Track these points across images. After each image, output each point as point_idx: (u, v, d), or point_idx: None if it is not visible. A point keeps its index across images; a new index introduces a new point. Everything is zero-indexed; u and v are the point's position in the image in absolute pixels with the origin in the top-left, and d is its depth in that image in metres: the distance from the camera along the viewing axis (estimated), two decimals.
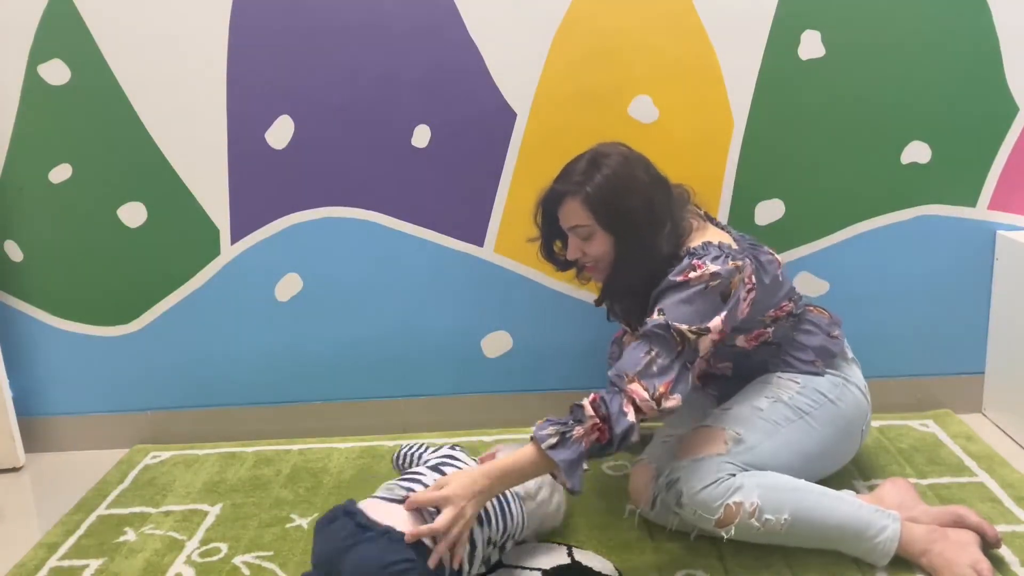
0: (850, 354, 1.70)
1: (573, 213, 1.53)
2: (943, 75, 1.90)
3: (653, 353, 1.42)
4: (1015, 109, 1.93)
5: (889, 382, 2.05)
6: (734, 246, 1.53)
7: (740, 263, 1.49)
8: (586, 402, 1.41)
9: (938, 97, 1.92)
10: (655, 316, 1.45)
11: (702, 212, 1.65)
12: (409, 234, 2.01)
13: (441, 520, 1.33)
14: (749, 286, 1.52)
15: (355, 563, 1.30)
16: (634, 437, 1.40)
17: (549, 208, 1.58)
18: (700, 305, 1.44)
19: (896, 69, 1.90)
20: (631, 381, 1.40)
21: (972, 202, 1.98)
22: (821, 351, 1.63)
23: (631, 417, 1.39)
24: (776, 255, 1.65)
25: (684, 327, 1.42)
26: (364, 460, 1.98)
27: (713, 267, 1.45)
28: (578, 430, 1.39)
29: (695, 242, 1.52)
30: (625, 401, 1.40)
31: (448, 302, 2.05)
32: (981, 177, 1.97)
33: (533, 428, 1.41)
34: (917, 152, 1.95)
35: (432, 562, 1.33)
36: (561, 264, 1.66)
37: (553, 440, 1.38)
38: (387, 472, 1.91)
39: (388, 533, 1.32)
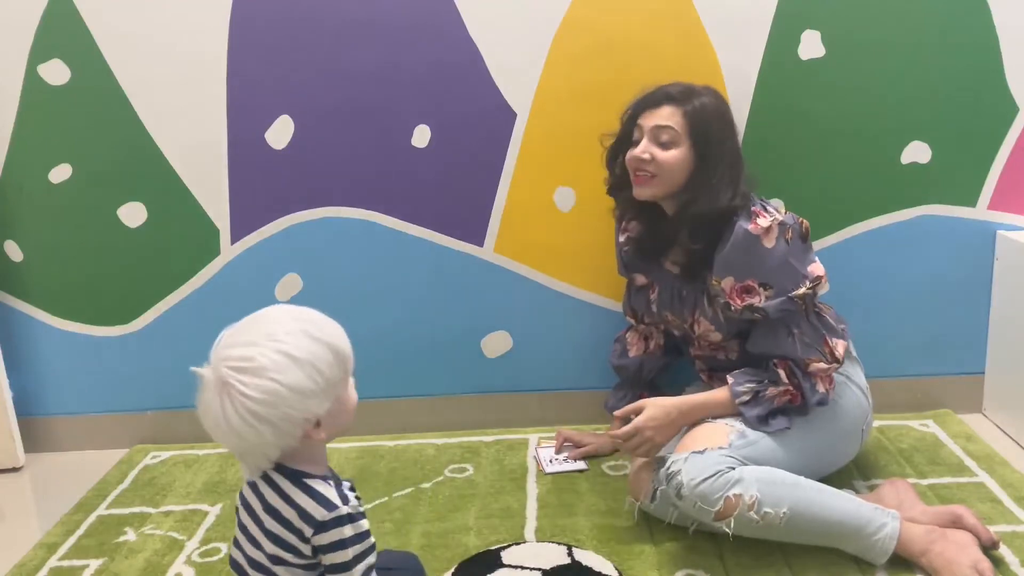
0: (853, 353, 1.70)
1: (668, 116, 1.56)
2: (943, 75, 1.90)
3: (794, 332, 1.54)
4: (1015, 109, 1.93)
5: (889, 382, 2.05)
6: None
7: (798, 217, 1.57)
8: (782, 371, 1.54)
9: (938, 97, 1.92)
10: (761, 295, 1.52)
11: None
12: (409, 234, 2.01)
13: (628, 445, 1.56)
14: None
15: None
16: (830, 398, 1.56)
17: (641, 108, 1.60)
18: (795, 262, 1.53)
19: (896, 69, 1.90)
20: (807, 364, 1.53)
21: (972, 202, 1.98)
22: (832, 330, 1.63)
23: (822, 388, 1.55)
24: None
25: (801, 290, 1.52)
26: (364, 460, 1.98)
27: (777, 215, 1.53)
28: (771, 390, 1.54)
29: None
30: (817, 381, 1.54)
31: (448, 302, 2.05)
32: (981, 177, 1.97)
33: (729, 381, 1.57)
34: (917, 152, 1.95)
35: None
36: (616, 178, 1.68)
37: (747, 397, 1.54)
38: (387, 472, 1.92)
39: None
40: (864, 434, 1.66)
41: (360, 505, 1.13)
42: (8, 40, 1.91)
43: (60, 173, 1.99)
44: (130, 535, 1.72)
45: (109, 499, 1.87)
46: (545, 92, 1.92)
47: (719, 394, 1.58)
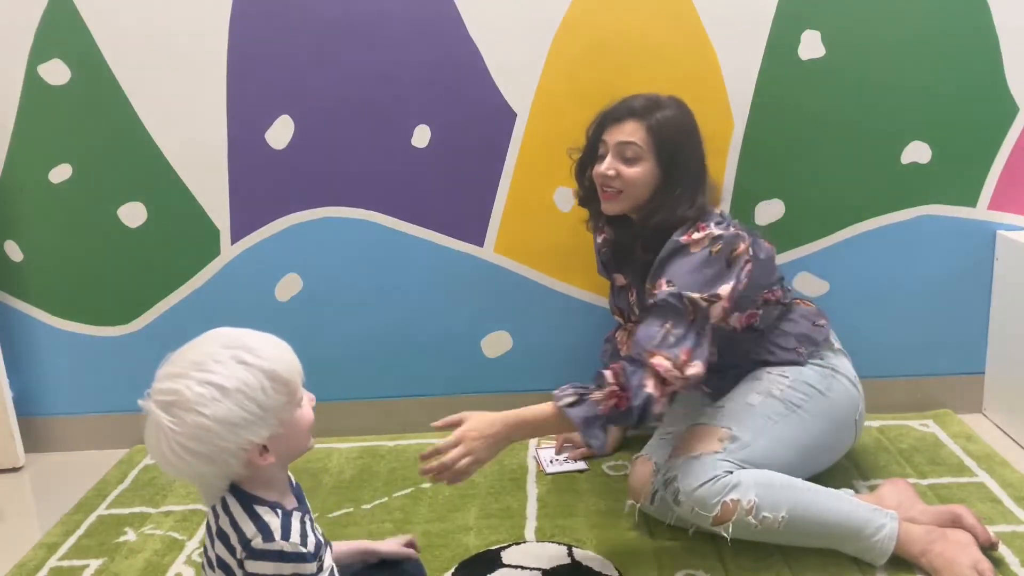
0: (837, 345, 1.70)
1: (632, 132, 1.55)
2: (943, 75, 1.90)
3: (668, 325, 1.45)
4: (1015, 109, 1.93)
5: (889, 382, 2.05)
6: (734, 221, 1.58)
7: (743, 231, 1.54)
8: (608, 372, 1.44)
9: (938, 97, 1.92)
10: (663, 286, 1.48)
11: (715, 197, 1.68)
12: (409, 234, 2.01)
13: (450, 455, 1.39)
14: (746, 257, 1.54)
15: None
16: (655, 408, 1.41)
17: (606, 122, 1.59)
18: (707, 271, 1.48)
19: (896, 69, 1.90)
20: (652, 355, 1.42)
21: (972, 202, 1.98)
22: (803, 339, 1.64)
23: (650, 390, 1.40)
24: (766, 243, 1.66)
25: (696, 295, 1.46)
26: (364, 460, 1.98)
27: (716, 230, 1.50)
28: (596, 394, 1.42)
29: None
30: (646, 374, 1.41)
31: (448, 302, 2.05)
32: (981, 177, 1.97)
33: (554, 393, 1.45)
34: (917, 152, 1.95)
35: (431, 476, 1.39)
36: (586, 191, 1.67)
37: (570, 399, 1.43)
38: (387, 472, 1.92)
39: None
40: (858, 424, 1.66)
41: (306, 545, 1.05)
42: (8, 40, 1.91)
43: (60, 173, 1.99)
44: (130, 535, 1.72)
45: (109, 499, 1.87)
46: (545, 92, 1.92)
47: (544, 405, 1.45)
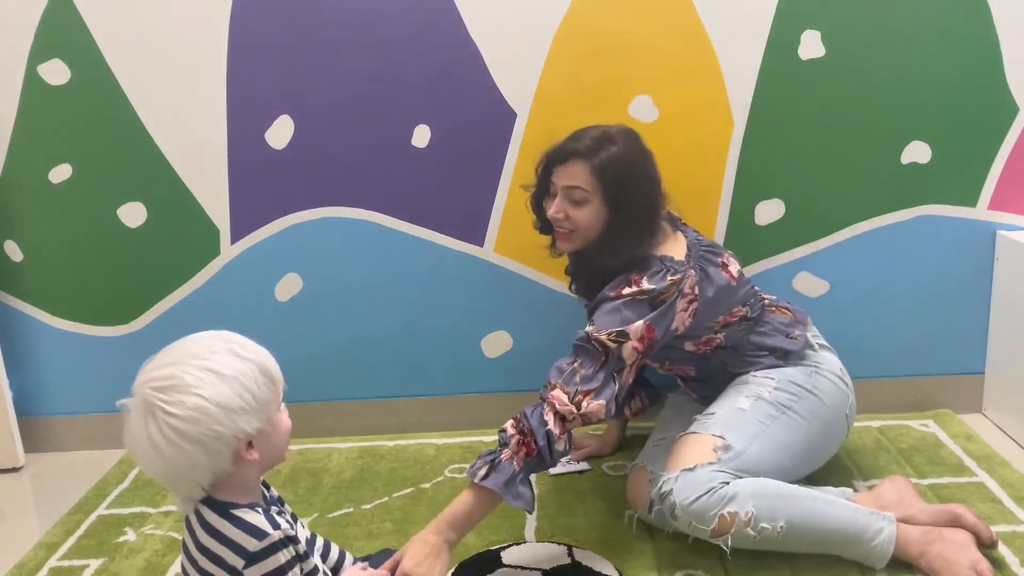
0: (819, 343, 1.69)
1: (576, 174, 1.53)
2: (943, 75, 1.90)
3: (576, 364, 1.47)
4: (1015, 109, 1.93)
5: (889, 382, 2.05)
6: (679, 258, 1.55)
7: (678, 277, 1.51)
8: (509, 423, 1.45)
9: (938, 97, 1.92)
10: (587, 327, 1.49)
11: (671, 214, 1.66)
12: (409, 234, 2.01)
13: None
14: (690, 296, 1.53)
15: None
16: (559, 446, 1.42)
17: (552, 163, 1.59)
18: (625, 313, 1.48)
19: (896, 69, 1.90)
20: (552, 388, 1.45)
21: (972, 202, 1.98)
22: (776, 351, 1.64)
23: (551, 426, 1.41)
24: (734, 259, 1.64)
25: (604, 335, 1.46)
26: (364, 460, 1.98)
27: (648, 284, 1.49)
28: (505, 453, 1.41)
29: (657, 251, 1.55)
30: (546, 409, 1.43)
31: (448, 302, 2.05)
32: (981, 177, 1.97)
33: (472, 473, 1.42)
34: (917, 152, 1.95)
35: None
36: (543, 222, 1.67)
37: (483, 471, 1.41)
38: (387, 472, 1.92)
39: None
40: (849, 418, 1.65)
41: (292, 527, 1.09)
42: (8, 40, 1.91)
43: (60, 173, 1.99)
44: (130, 535, 1.72)
45: (109, 499, 1.87)
46: (545, 92, 1.92)
47: (466, 494, 1.42)
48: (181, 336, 2.10)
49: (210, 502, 1.07)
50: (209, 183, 1.99)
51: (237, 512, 1.06)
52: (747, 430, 1.53)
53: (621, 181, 1.52)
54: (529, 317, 2.06)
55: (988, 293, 2.02)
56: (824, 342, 1.70)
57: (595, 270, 1.59)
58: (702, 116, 1.93)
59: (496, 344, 2.08)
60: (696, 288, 1.54)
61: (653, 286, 1.49)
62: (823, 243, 2.00)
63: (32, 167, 1.99)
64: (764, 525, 1.41)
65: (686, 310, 1.54)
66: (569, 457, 1.90)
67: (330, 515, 1.75)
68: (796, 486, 1.48)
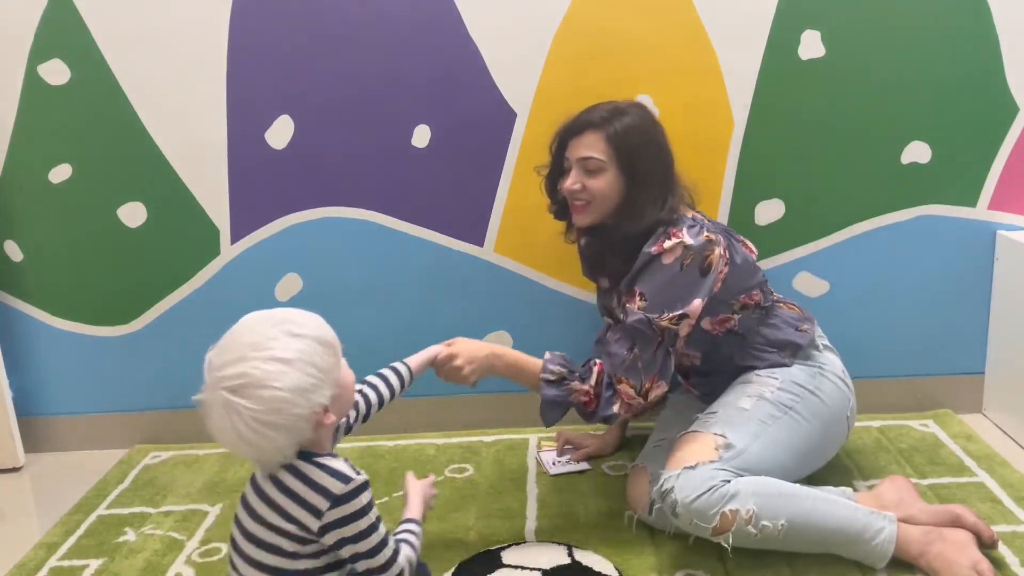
0: (823, 344, 1.69)
1: (591, 145, 1.56)
2: (943, 75, 1.90)
3: (636, 351, 1.53)
4: (1015, 109, 1.93)
5: (889, 382, 2.05)
6: (707, 223, 1.59)
7: (713, 236, 1.54)
8: (596, 369, 1.55)
9: (938, 97, 1.92)
10: (636, 302, 1.52)
11: (688, 200, 1.68)
12: (409, 234, 2.01)
13: (442, 372, 1.55)
14: (725, 259, 1.56)
15: None
16: (617, 420, 1.57)
17: (566, 137, 1.61)
18: (680, 286, 1.51)
19: (896, 69, 1.90)
20: (620, 381, 1.54)
21: (972, 202, 1.98)
22: (786, 345, 1.64)
23: (616, 409, 1.55)
24: (750, 244, 1.67)
25: (665, 321, 1.50)
26: (364, 460, 1.98)
27: (688, 238, 1.51)
28: (575, 384, 1.55)
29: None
30: (615, 396, 1.55)
31: (448, 302, 2.05)
32: (981, 177, 1.97)
33: (545, 356, 1.57)
34: (917, 152, 1.95)
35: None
36: (559, 204, 1.70)
37: (552, 377, 1.55)
38: (387, 472, 1.91)
39: None
40: (850, 420, 1.66)
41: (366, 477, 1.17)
42: (8, 40, 1.91)
43: (60, 173, 1.99)
44: (130, 535, 1.72)
45: (109, 499, 1.87)
46: (545, 92, 1.92)
47: (531, 361, 1.58)
48: (181, 337, 2.12)
49: (301, 455, 1.14)
50: (209, 183, 1.99)
51: (321, 459, 1.13)
52: (748, 429, 1.53)
53: (636, 149, 1.54)
54: (529, 317, 2.06)
55: (988, 293, 2.02)
56: (828, 343, 1.71)
57: (614, 244, 1.59)
58: (702, 116, 1.93)
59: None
60: (727, 252, 1.56)
61: (692, 241, 1.51)
62: (823, 243, 2.00)
63: (32, 167, 1.99)
64: (765, 523, 1.41)
65: (721, 272, 1.56)
66: (569, 457, 1.91)
67: None
68: (797, 485, 1.48)
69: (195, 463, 2.01)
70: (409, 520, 1.31)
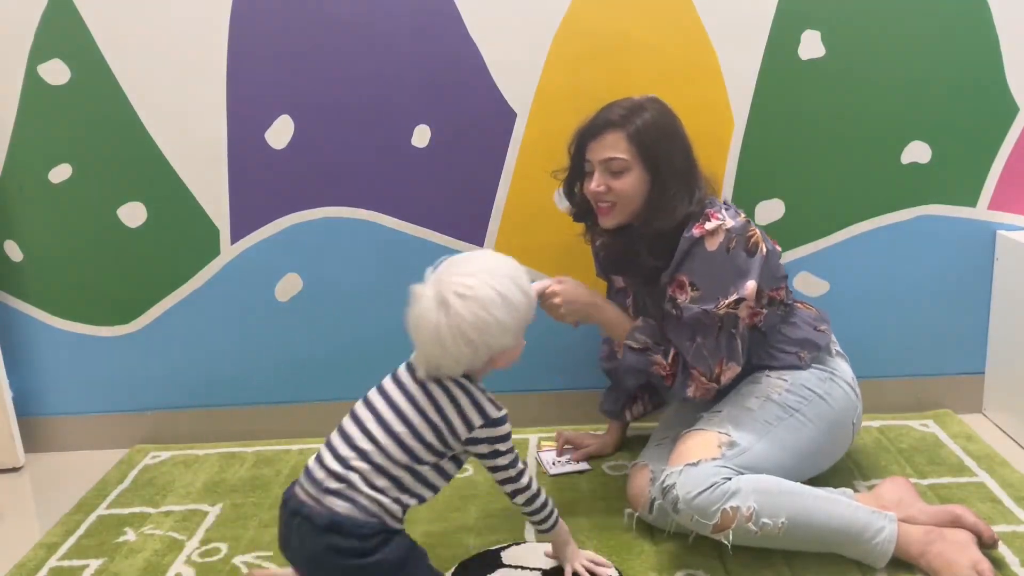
0: (836, 349, 1.69)
1: (612, 145, 1.54)
2: (943, 75, 1.90)
3: (699, 339, 1.54)
4: (1015, 109, 1.93)
5: (889, 382, 2.05)
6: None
7: (747, 219, 1.54)
8: (670, 353, 1.58)
9: (938, 97, 1.92)
10: (688, 293, 1.52)
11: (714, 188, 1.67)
12: (409, 234, 2.01)
13: (544, 305, 1.59)
14: (763, 244, 1.56)
15: None
16: (690, 400, 1.60)
17: (585, 139, 1.59)
18: (729, 270, 1.51)
19: (896, 69, 1.90)
20: (691, 367, 1.56)
21: (972, 202, 1.98)
22: (806, 343, 1.64)
23: (691, 393, 1.58)
24: (773, 239, 1.66)
25: (723, 308, 1.50)
26: None
27: (728, 220, 1.51)
28: (657, 357, 1.59)
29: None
30: (689, 379, 1.57)
31: None
32: (981, 177, 1.97)
33: (636, 323, 1.61)
34: (917, 152, 1.95)
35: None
36: (579, 207, 1.68)
37: (635, 345, 1.59)
38: None
39: None
40: (855, 427, 1.66)
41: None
42: (8, 40, 1.91)
43: (60, 173, 1.99)
44: (130, 535, 1.72)
45: (109, 499, 1.87)
46: (545, 92, 1.92)
47: (624, 323, 1.62)
48: (181, 337, 2.12)
49: (466, 376, 1.34)
50: (209, 183, 1.99)
51: (481, 387, 1.35)
52: (753, 429, 1.53)
53: (659, 144, 1.53)
54: None
55: (988, 293, 2.02)
56: (840, 349, 1.71)
57: (648, 242, 1.57)
58: (702, 116, 1.92)
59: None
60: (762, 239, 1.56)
61: (732, 222, 1.51)
62: (823, 243, 2.00)
63: (32, 167, 1.99)
64: (766, 521, 1.41)
65: (764, 253, 1.56)
66: (569, 457, 1.90)
67: None
68: (798, 484, 1.48)
69: (195, 463, 2.01)
70: None
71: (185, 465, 2.01)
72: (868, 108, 1.92)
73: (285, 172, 1.98)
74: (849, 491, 1.56)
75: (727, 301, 1.51)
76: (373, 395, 1.36)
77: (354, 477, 1.27)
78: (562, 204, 1.77)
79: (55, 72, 1.93)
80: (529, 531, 1.65)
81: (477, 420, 1.31)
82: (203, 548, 1.66)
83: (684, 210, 1.53)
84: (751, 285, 1.51)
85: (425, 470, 1.31)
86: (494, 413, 1.33)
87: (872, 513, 1.47)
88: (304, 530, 1.28)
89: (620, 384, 1.87)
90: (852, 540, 1.45)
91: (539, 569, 1.51)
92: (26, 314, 2.08)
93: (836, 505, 1.47)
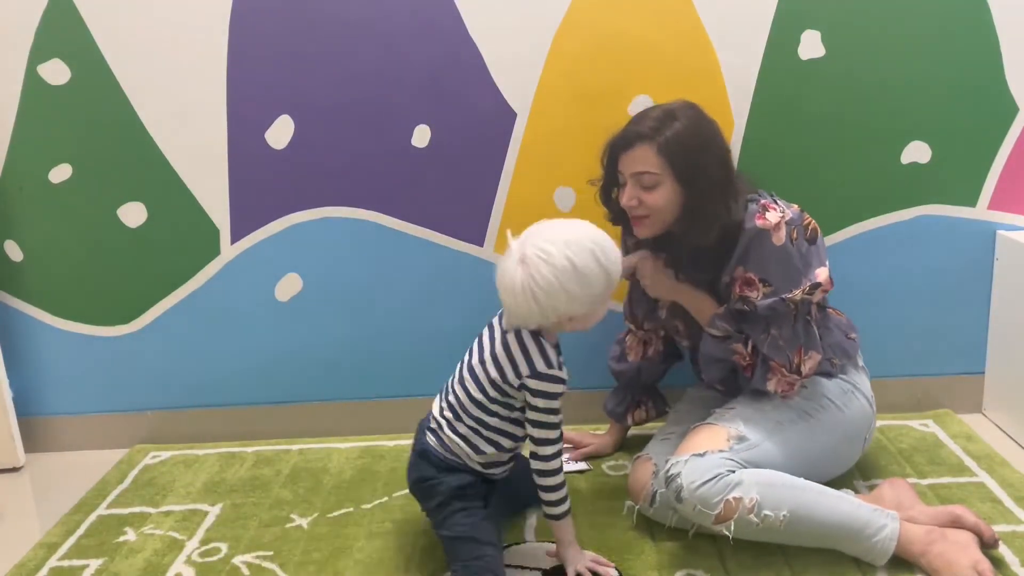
0: (860, 362, 1.70)
1: (642, 159, 1.51)
2: (943, 75, 1.90)
3: (772, 331, 1.52)
4: (1015, 109, 1.93)
5: (889, 382, 2.05)
6: None
7: (800, 208, 1.54)
8: (744, 348, 1.56)
9: (938, 97, 1.92)
10: (759, 289, 1.51)
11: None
12: (409, 234, 2.01)
13: (639, 274, 1.66)
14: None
15: None
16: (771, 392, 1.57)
17: (616, 151, 1.56)
18: (799, 259, 1.50)
19: (896, 69, 1.90)
20: (771, 359, 1.53)
21: (972, 202, 1.98)
22: (838, 350, 1.63)
23: (772, 387, 1.55)
24: None
25: (799, 294, 1.49)
26: (364, 460, 1.98)
27: (787, 211, 1.50)
28: (737, 346, 1.56)
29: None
30: (770, 372, 1.54)
31: (448, 302, 2.05)
32: (981, 177, 1.97)
33: (717, 311, 1.57)
34: (917, 152, 1.95)
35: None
36: (616, 213, 1.65)
37: (717, 333, 1.57)
38: (387, 472, 1.91)
39: None
40: (866, 441, 1.66)
41: (565, 373, 1.45)
42: (8, 40, 1.91)
43: (60, 173, 1.99)
44: (130, 535, 1.72)
45: (109, 499, 1.87)
46: (545, 92, 1.92)
47: (707, 307, 1.59)
48: (181, 337, 2.12)
49: (532, 332, 1.44)
50: (209, 183, 1.99)
51: (545, 344, 1.43)
52: (764, 427, 1.53)
53: (690, 156, 1.48)
54: None
55: (988, 293, 2.02)
56: (862, 363, 1.70)
57: (689, 255, 1.57)
58: None
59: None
60: None
61: (790, 212, 1.50)
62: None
63: (32, 167, 1.99)
64: (767, 513, 1.41)
65: (824, 242, 1.56)
66: (569, 457, 1.90)
67: (330, 515, 1.75)
68: (802, 479, 1.48)
69: (195, 463, 2.01)
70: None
71: (185, 465, 2.01)
72: (868, 108, 1.92)
73: (285, 172, 1.98)
74: (850, 492, 1.56)
75: (803, 288, 1.50)
76: (480, 336, 1.51)
77: (443, 423, 1.51)
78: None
79: (55, 72, 1.93)
80: (529, 531, 1.65)
81: (525, 370, 1.42)
82: (203, 548, 1.66)
83: (723, 221, 1.50)
84: (823, 271, 1.52)
85: (497, 412, 1.46)
86: (543, 368, 1.42)
87: (874, 511, 1.47)
88: (411, 457, 1.57)
89: (628, 386, 1.88)
90: (853, 536, 1.45)
91: (539, 569, 1.51)
92: (26, 314, 2.08)
93: (839, 501, 1.47)
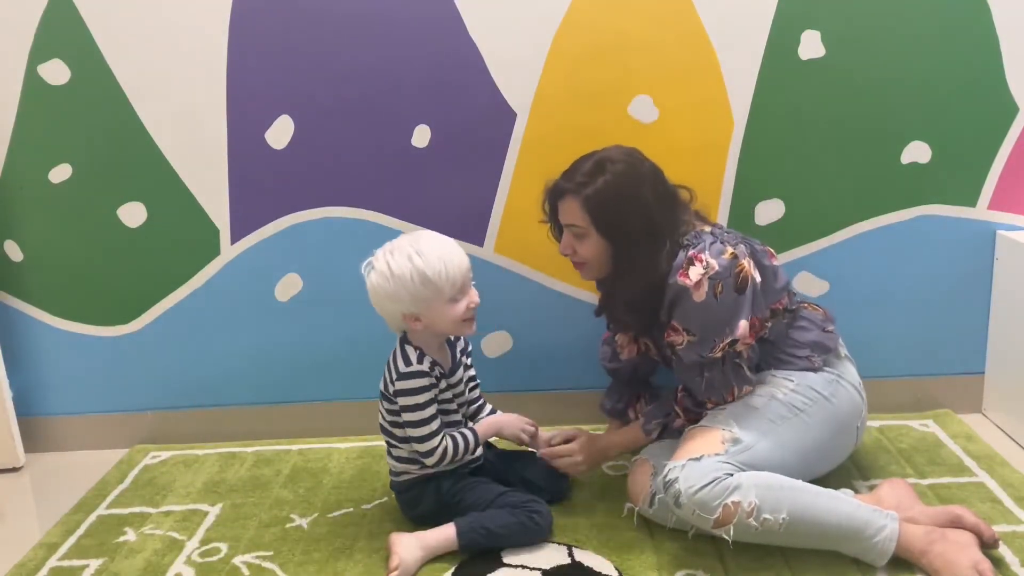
0: (844, 352, 1.70)
1: (570, 211, 1.57)
2: (943, 75, 1.90)
3: (706, 375, 1.56)
4: (1015, 109, 1.93)
5: (889, 382, 2.05)
6: (726, 236, 1.58)
7: (735, 250, 1.53)
8: (678, 405, 1.63)
9: (938, 97, 1.92)
10: (683, 337, 1.54)
11: (699, 214, 1.66)
12: None
13: (564, 462, 1.72)
14: (754, 274, 1.55)
15: None
16: None
17: (552, 198, 1.63)
18: (721, 314, 1.51)
19: (896, 69, 1.90)
20: (709, 402, 1.59)
21: (972, 202, 1.98)
22: (816, 346, 1.64)
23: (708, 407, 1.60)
24: (770, 250, 1.65)
25: (718, 352, 1.52)
26: (364, 460, 1.98)
27: (712, 260, 1.50)
28: (678, 421, 1.64)
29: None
30: (706, 410, 1.60)
31: None
32: (981, 177, 1.97)
33: (639, 422, 1.71)
34: (917, 152, 1.95)
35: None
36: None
37: (656, 432, 1.67)
38: (387, 472, 1.91)
39: None
40: (859, 431, 1.66)
41: (435, 373, 1.58)
42: (8, 40, 1.91)
43: (60, 173, 1.99)
44: (130, 535, 1.72)
45: (109, 499, 1.87)
46: (545, 93, 1.92)
47: (637, 435, 1.71)
48: (181, 337, 2.12)
49: (403, 337, 1.62)
50: (209, 183, 1.99)
51: (408, 347, 1.58)
52: (757, 427, 1.53)
53: (611, 211, 1.53)
54: (529, 317, 2.06)
55: (988, 293, 2.02)
56: (847, 352, 1.71)
57: (630, 303, 1.61)
58: (702, 116, 1.93)
59: (496, 344, 2.08)
60: (751, 263, 1.55)
61: (717, 265, 1.50)
62: (823, 243, 2.00)
63: (32, 167, 1.99)
64: (766, 516, 1.41)
65: (758, 281, 1.55)
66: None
67: (330, 515, 1.75)
68: (800, 481, 1.48)
69: (195, 463, 2.01)
70: (471, 430, 1.65)
71: (185, 465, 2.01)
72: (868, 108, 1.92)
73: (285, 172, 1.98)
74: (849, 492, 1.56)
75: (721, 344, 1.52)
76: None
77: (386, 448, 1.68)
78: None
79: (55, 72, 1.93)
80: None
81: (394, 375, 1.57)
82: (203, 548, 1.66)
83: (659, 270, 1.53)
84: (743, 325, 1.52)
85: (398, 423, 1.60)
86: (403, 368, 1.56)
87: (874, 511, 1.47)
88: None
89: (625, 382, 1.88)
90: (853, 537, 1.45)
91: (539, 569, 1.51)
92: (26, 314, 2.08)
93: (838, 502, 1.47)
